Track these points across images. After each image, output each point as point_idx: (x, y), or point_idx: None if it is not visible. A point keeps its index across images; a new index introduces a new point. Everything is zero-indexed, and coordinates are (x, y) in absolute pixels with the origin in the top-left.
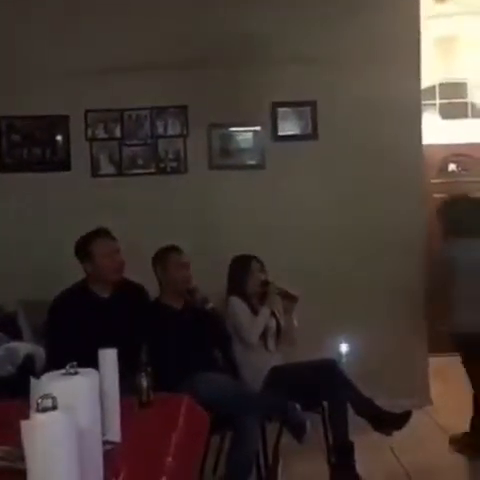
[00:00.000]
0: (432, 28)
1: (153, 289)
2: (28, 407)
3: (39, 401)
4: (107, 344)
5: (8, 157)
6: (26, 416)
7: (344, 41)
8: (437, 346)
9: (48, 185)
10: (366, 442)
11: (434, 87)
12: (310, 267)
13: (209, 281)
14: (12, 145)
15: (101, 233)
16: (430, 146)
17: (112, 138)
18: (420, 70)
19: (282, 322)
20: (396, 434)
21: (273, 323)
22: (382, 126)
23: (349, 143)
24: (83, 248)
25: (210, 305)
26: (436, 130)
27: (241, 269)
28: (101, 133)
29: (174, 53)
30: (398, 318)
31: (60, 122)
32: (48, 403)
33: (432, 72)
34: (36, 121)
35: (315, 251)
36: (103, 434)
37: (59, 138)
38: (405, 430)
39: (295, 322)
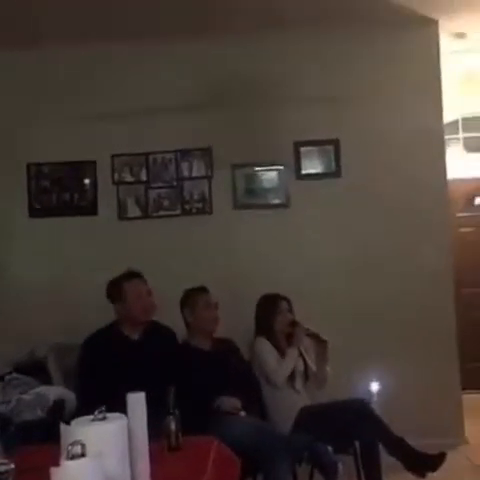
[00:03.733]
0: (454, 63)
1: (178, 331)
2: (58, 452)
3: (69, 448)
4: (136, 386)
5: (37, 202)
6: (56, 461)
7: (366, 78)
8: (471, 383)
9: (76, 229)
10: None
11: (457, 121)
12: (338, 305)
13: (235, 322)
14: (41, 191)
15: (133, 275)
16: (455, 180)
17: (138, 181)
18: (442, 105)
19: (309, 362)
20: (431, 474)
21: (301, 363)
22: (406, 162)
23: (373, 179)
24: (115, 289)
25: None
26: (461, 164)
27: (269, 309)
28: (127, 177)
29: (194, 95)
30: (429, 355)
31: (87, 167)
32: (77, 450)
33: (455, 106)
34: (64, 167)
35: (342, 289)
36: (132, 479)
37: (86, 182)
38: (440, 470)
39: (328, 369)
